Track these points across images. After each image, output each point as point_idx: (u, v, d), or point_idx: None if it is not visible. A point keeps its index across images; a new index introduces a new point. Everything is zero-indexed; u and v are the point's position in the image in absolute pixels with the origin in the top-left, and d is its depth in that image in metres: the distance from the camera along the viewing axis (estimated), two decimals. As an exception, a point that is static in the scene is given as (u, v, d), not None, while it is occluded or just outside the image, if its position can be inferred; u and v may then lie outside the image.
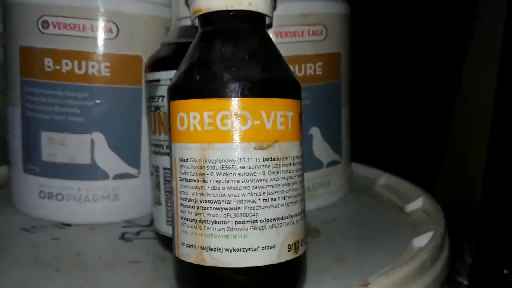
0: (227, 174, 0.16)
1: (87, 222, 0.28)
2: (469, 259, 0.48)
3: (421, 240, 0.23)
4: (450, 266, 0.24)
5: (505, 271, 0.48)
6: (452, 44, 0.53)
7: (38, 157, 0.27)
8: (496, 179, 0.37)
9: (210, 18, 0.18)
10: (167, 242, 0.24)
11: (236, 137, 0.16)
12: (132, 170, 0.28)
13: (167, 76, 0.22)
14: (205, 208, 0.17)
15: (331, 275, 0.21)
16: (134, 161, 0.28)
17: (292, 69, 0.29)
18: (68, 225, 0.28)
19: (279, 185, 0.17)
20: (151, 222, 0.29)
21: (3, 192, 0.33)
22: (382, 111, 0.57)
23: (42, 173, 0.28)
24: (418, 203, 0.30)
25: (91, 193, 0.28)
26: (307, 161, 0.30)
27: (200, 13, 0.18)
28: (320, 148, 0.31)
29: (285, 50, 0.28)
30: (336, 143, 0.32)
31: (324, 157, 0.31)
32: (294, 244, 0.17)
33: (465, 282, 0.48)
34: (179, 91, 0.17)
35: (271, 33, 0.28)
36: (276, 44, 0.28)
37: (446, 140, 0.55)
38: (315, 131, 0.30)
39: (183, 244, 0.17)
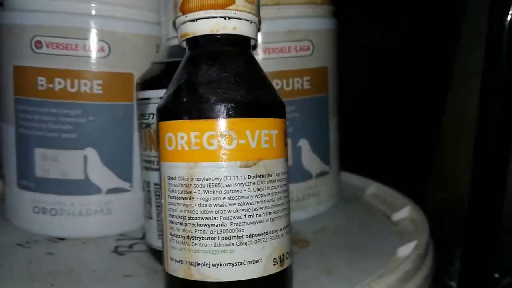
0: (213, 192, 0.17)
1: (81, 236, 0.29)
2: (459, 263, 0.49)
3: (406, 250, 0.24)
4: (442, 271, 0.25)
5: (497, 275, 0.49)
6: (440, 57, 0.55)
7: (32, 173, 0.28)
8: (481, 185, 0.38)
9: (196, 42, 0.18)
10: (159, 256, 0.24)
11: (222, 156, 0.17)
12: (125, 184, 0.29)
13: (157, 95, 0.23)
14: (192, 224, 0.17)
15: (317, 286, 0.22)
16: (126, 175, 0.29)
17: (280, 83, 0.30)
18: (62, 239, 0.28)
19: (264, 201, 0.18)
20: (144, 235, 0.29)
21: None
22: (373, 121, 0.58)
23: (36, 188, 0.28)
24: (405, 212, 0.31)
25: (85, 207, 0.28)
26: (297, 172, 0.31)
27: (187, 37, 0.19)
28: (309, 160, 0.31)
29: (273, 66, 0.29)
30: (325, 154, 0.33)
31: (313, 168, 0.32)
32: (280, 258, 0.18)
33: (455, 285, 0.49)
34: (167, 112, 0.18)
35: (259, 50, 0.29)
36: (264, 60, 0.29)
37: (435, 147, 0.56)
38: (304, 143, 0.31)
39: (172, 259, 0.18)
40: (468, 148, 0.47)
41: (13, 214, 0.30)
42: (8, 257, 0.26)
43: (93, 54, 0.27)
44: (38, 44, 0.27)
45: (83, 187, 0.28)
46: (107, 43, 0.27)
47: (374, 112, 0.59)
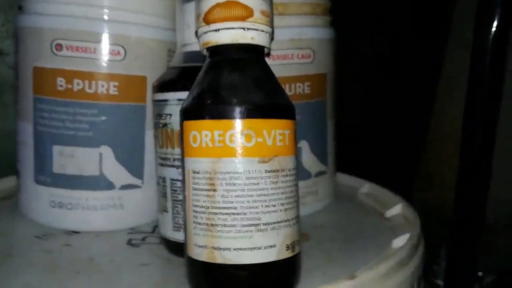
0: (234, 184, 0.19)
1: (94, 230, 0.30)
2: (445, 262, 0.52)
3: (399, 241, 0.26)
4: (428, 270, 0.27)
5: (480, 273, 0.51)
6: (427, 65, 0.58)
7: (49, 169, 0.29)
8: (466, 187, 0.41)
9: (218, 50, 0.21)
10: (174, 247, 0.26)
11: (242, 152, 0.19)
12: (136, 181, 0.31)
13: (174, 97, 0.25)
14: (215, 213, 0.19)
15: (321, 272, 0.24)
16: (138, 172, 0.31)
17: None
18: (76, 232, 0.30)
19: (278, 193, 0.20)
20: (154, 229, 0.31)
21: (9, 202, 0.35)
22: (365, 125, 0.61)
23: (52, 183, 0.30)
24: (397, 209, 0.33)
25: (99, 202, 0.30)
26: (297, 172, 0.33)
27: (210, 45, 0.21)
28: (309, 160, 0.34)
29: (277, 71, 0.31)
30: (323, 155, 0.35)
31: (312, 168, 0.34)
32: (291, 244, 0.20)
33: (441, 283, 0.52)
34: (192, 113, 0.20)
35: (264, 56, 0.31)
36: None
37: (422, 151, 0.59)
38: (304, 144, 0.33)
39: (195, 245, 0.20)
40: (452, 152, 0.50)
41: (29, 208, 0.31)
42: (29, 248, 0.27)
43: (110, 57, 0.29)
44: (59, 47, 0.28)
45: (98, 183, 0.30)
46: (123, 47, 0.29)
47: (359, 116, 0.62)
